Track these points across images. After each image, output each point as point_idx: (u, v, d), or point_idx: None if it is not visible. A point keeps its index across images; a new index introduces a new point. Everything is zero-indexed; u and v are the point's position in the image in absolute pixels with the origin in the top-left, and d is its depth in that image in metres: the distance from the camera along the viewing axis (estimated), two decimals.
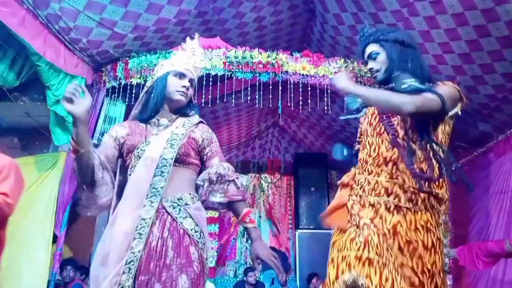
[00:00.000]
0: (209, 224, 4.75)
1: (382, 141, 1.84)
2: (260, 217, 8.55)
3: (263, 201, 8.59)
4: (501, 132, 5.12)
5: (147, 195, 1.78)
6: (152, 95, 1.98)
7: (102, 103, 4.52)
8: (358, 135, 2.09)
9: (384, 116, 1.87)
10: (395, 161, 1.79)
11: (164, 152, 1.84)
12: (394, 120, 1.84)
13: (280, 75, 4.21)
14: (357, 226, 1.75)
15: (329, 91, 4.15)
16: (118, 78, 4.38)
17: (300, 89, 4.15)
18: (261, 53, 4.23)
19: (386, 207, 1.76)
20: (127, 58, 4.38)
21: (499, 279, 4.67)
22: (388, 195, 1.76)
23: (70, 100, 1.70)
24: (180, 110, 2.02)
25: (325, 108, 3.85)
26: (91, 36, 4.07)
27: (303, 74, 4.21)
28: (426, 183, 1.76)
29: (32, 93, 4.39)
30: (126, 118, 4.66)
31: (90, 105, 1.76)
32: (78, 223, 4.87)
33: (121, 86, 4.39)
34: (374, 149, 1.85)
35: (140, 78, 4.27)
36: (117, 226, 1.74)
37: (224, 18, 4.62)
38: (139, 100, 2.04)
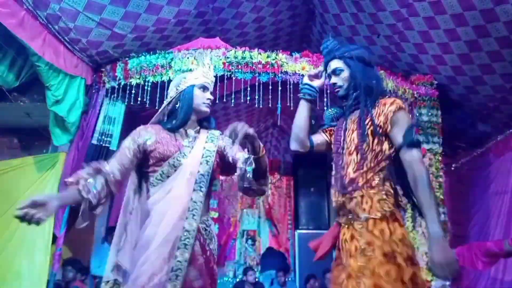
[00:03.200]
0: None
1: (345, 151, 1.91)
2: (259, 217, 8.55)
3: (262, 201, 8.59)
4: (500, 133, 5.13)
5: (189, 208, 1.89)
6: (177, 106, 2.08)
7: (102, 103, 4.52)
8: (323, 138, 2.14)
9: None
10: (359, 168, 1.84)
11: (200, 168, 1.97)
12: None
13: (279, 75, 4.21)
14: (337, 265, 1.82)
15: (328, 91, 4.16)
16: (117, 78, 4.38)
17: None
18: (260, 54, 4.23)
19: (348, 226, 1.84)
20: (126, 58, 4.38)
21: (499, 279, 4.67)
22: (348, 213, 1.84)
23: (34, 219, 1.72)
24: (202, 121, 2.15)
25: (324, 108, 3.83)
26: (90, 36, 4.07)
27: (302, 75, 4.21)
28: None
29: (32, 93, 4.39)
30: (125, 118, 4.67)
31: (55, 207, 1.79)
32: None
33: (121, 86, 4.38)
34: (337, 170, 1.93)
35: (139, 78, 4.27)
36: (158, 236, 1.82)
37: (223, 18, 4.62)
38: (162, 109, 2.12)
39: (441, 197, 4.57)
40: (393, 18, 4.27)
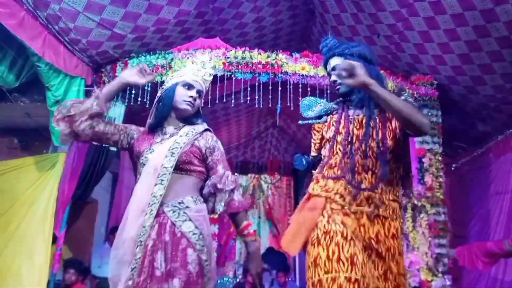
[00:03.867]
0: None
1: (355, 149, 1.87)
2: (259, 217, 8.57)
3: (262, 201, 8.60)
4: (500, 133, 5.13)
5: (149, 203, 1.84)
6: (160, 104, 2.05)
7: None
8: (317, 142, 2.10)
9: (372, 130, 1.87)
10: (374, 171, 1.83)
11: (165, 161, 1.89)
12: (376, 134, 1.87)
13: (279, 75, 4.21)
14: (344, 237, 1.76)
15: (328, 91, 4.16)
16: None
17: (300, 90, 4.15)
18: (260, 54, 4.23)
19: (368, 217, 1.81)
20: (126, 59, 4.38)
21: (499, 279, 4.67)
22: (369, 205, 1.82)
23: (141, 72, 1.95)
24: (187, 120, 2.06)
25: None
26: (90, 37, 4.07)
27: (302, 75, 4.21)
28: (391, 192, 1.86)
29: (32, 94, 4.39)
30: (125, 118, 4.66)
31: (138, 84, 1.98)
32: (77, 223, 4.87)
33: None
34: (348, 157, 1.87)
35: None
36: (125, 233, 1.82)
37: (223, 19, 4.62)
38: (151, 110, 2.12)
39: (441, 197, 4.57)
40: (393, 18, 4.27)
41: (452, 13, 3.87)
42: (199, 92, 2.05)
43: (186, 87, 2.02)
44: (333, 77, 1.97)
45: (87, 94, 4.50)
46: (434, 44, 4.33)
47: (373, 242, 1.77)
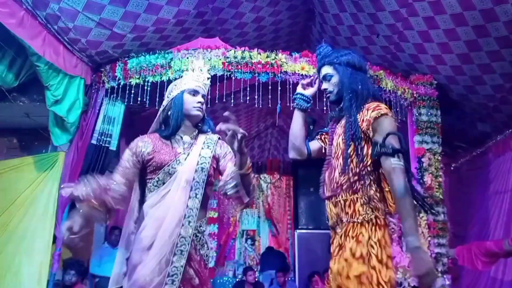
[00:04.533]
0: (208, 224, 4.80)
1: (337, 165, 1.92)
2: (259, 217, 8.56)
3: (262, 201, 8.59)
4: (500, 132, 5.14)
5: (185, 215, 1.92)
6: (169, 113, 2.09)
7: (101, 103, 4.52)
8: (319, 143, 2.17)
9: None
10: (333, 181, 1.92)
11: (196, 175, 1.98)
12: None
13: (279, 75, 4.21)
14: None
15: (322, 89, 4.16)
16: (117, 78, 4.37)
17: None
18: (260, 53, 4.23)
19: (336, 233, 1.90)
20: (126, 58, 4.38)
21: (499, 279, 4.68)
22: (337, 218, 1.90)
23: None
24: (198, 125, 2.15)
25: (324, 108, 3.83)
26: (90, 36, 4.07)
27: (302, 74, 4.21)
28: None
29: (31, 93, 4.39)
30: (125, 118, 4.66)
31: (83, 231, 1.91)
32: None
33: (120, 86, 4.38)
34: (330, 172, 1.96)
35: (139, 78, 4.26)
36: (154, 241, 1.87)
37: (223, 18, 4.62)
38: (157, 118, 2.15)
39: (441, 197, 4.57)
40: (392, 18, 4.27)
41: (451, 13, 3.87)
42: (203, 96, 2.14)
43: (192, 93, 2.10)
44: (324, 85, 2.04)
45: (86, 93, 4.50)
46: (434, 44, 4.33)
47: (342, 249, 1.82)
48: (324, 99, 4.19)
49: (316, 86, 2.14)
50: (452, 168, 5.73)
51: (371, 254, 1.73)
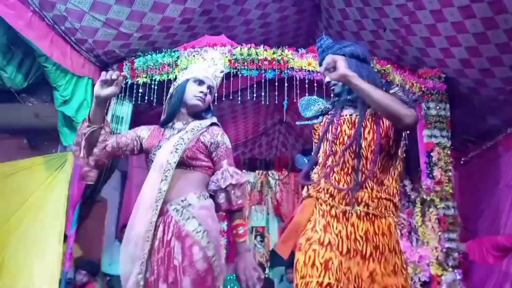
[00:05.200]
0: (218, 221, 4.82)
1: (346, 150, 1.87)
2: (268, 214, 8.58)
3: (270, 198, 8.61)
4: (510, 125, 5.08)
5: (156, 199, 1.86)
6: (171, 100, 2.08)
7: (109, 103, 4.55)
8: (317, 141, 2.09)
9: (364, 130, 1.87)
10: (363, 170, 1.83)
11: (169, 157, 1.91)
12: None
13: (285, 71, 4.20)
14: (320, 243, 1.78)
15: (325, 81, 4.15)
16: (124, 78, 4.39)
17: (306, 86, 4.14)
18: (266, 50, 4.22)
19: (357, 215, 1.82)
20: (133, 58, 4.40)
21: (510, 273, 4.64)
22: (359, 204, 1.82)
23: (103, 82, 1.80)
24: (196, 115, 2.08)
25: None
26: (97, 37, 4.09)
27: (308, 70, 4.20)
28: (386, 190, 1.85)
29: (40, 94, 4.42)
30: (133, 117, 4.69)
31: (113, 95, 1.85)
32: (88, 221, 4.90)
33: (128, 85, 4.40)
34: (340, 157, 1.87)
35: (146, 77, 4.28)
36: (134, 229, 1.86)
37: (229, 16, 4.62)
38: (164, 107, 2.14)
39: (450, 191, 4.54)
40: (399, 11, 4.24)
41: (459, 6, 3.83)
42: (209, 87, 2.08)
43: (197, 83, 2.05)
44: (327, 78, 1.97)
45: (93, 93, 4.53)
46: (442, 37, 4.29)
47: (358, 243, 1.78)
48: (331, 94, 4.20)
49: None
50: (462, 162, 5.68)
51: (396, 247, 1.82)
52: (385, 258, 1.77)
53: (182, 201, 1.89)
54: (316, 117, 2.09)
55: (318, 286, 1.68)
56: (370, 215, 1.81)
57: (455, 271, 4.27)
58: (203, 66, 2.12)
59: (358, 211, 1.81)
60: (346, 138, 1.88)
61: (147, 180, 1.93)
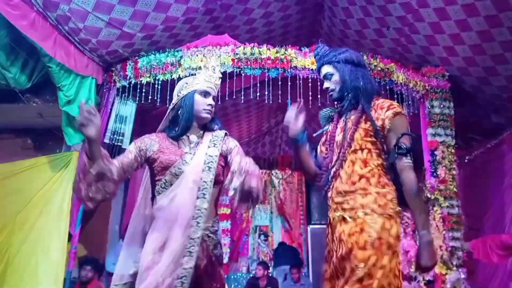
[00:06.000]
0: (221, 220, 4.83)
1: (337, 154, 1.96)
2: (271, 213, 8.57)
3: (274, 197, 8.60)
4: None
5: (193, 216, 1.90)
6: (179, 112, 2.08)
7: (113, 102, 4.56)
8: (324, 149, 2.14)
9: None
10: (368, 178, 1.88)
11: (203, 175, 1.95)
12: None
13: (289, 70, 4.19)
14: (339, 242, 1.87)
15: (324, 88, 4.14)
16: (128, 77, 4.40)
17: (310, 84, 4.14)
18: (269, 49, 4.21)
19: (338, 220, 1.89)
20: (136, 57, 4.41)
21: None
22: (343, 209, 1.89)
23: (82, 124, 1.77)
24: (205, 125, 2.13)
25: (335, 103, 3.82)
26: (100, 36, 4.10)
27: (312, 69, 4.19)
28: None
29: (44, 94, 4.44)
30: (136, 116, 4.70)
31: (100, 124, 1.83)
32: (92, 221, 4.92)
33: (131, 85, 4.41)
34: (348, 166, 1.92)
35: (149, 77, 4.29)
36: (165, 243, 1.87)
37: (232, 15, 4.62)
38: (166, 116, 2.13)
39: (455, 190, 4.53)
40: (402, 10, 4.22)
41: (463, 3, 3.82)
42: (214, 98, 2.13)
43: (203, 95, 2.08)
44: (326, 84, 2.07)
45: (98, 93, 4.54)
46: (445, 35, 4.27)
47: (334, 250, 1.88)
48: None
49: (300, 118, 2.07)
50: (466, 160, 5.65)
51: (391, 245, 1.82)
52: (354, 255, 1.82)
53: (212, 226, 1.98)
54: (325, 125, 2.19)
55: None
56: (352, 218, 1.86)
57: (460, 270, 4.26)
58: (205, 76, 2.14)
59: (338, 216, 1.90)
60: (339, 143, 1.99)
61: (179, 196, 1.92)
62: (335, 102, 2.11)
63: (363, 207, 1.82)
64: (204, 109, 2.05)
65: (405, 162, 1.82)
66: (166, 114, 2.13)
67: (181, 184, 1.94)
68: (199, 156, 1.99)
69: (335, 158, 1.97)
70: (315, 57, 2.14)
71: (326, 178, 1.97)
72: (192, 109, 2.04)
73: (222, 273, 2.00)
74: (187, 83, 2.12)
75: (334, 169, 1.95)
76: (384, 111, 1.89)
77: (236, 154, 2.03)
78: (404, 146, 1.81)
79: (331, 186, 1.95)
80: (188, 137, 2.06)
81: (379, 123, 1.88)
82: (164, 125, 2.13)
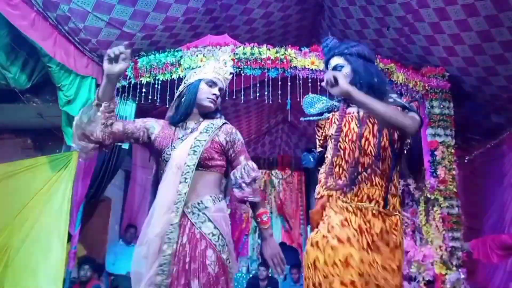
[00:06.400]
0: None
1: (356, 147, 1.89)
2: (271, 213, 8.56)
3: (274, 197, 8.61)
4: None
5: (174, 201, 1.87)
6: (183, 99, 2.08)
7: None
8: (321, 138, 2.12)
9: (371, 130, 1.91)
10: (373, 168, 1.85)
11: (187, 159, 1.92)
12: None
13: (289, 70, 4.19)
14: (339, 240, 1.78)
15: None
16: (128, 78, 4.40)
17: (309, 84, 4.14)
18: (269, 49, 4.21)
19: (372, 213, 1.83)
20: (136, 57, 4.40)
21: None
22: (370, 201, 1.84)
23: (111, 58, 1.77)
24: (207, 115, 2.11)
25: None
26: (100, 36, 4.10)
27: (312, 69, 4.19)
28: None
29: (44, 94, 4.44)
30: (136, 116, 4.69)
31: (125, 69, 1.83)
32: (91, 221, 4.92)
33: (131, 85, 4.41)
34: (349, 155, 1.89)
35: (149, 77, 4.29)
36: (150, 230, 1.86)
37: (232, 15, 4.62)
38: (172, 103, 2.14)
39: (454, 190, 4.52)
40: (402, 10, 4.22)
41: (463, 3, 3.82)
42: (220, 90, 2.11)
43: (209, 84, 2.08)
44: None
45: None
46: (445, 36, 4.27)
47: (376, 238, 1.80)
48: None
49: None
50: (466, 160, 5.65)
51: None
52: (394, 254, 1.81)
53: (199, 203, 1.92)
54: (320, 114, 2.11)
55: (340, 285, 1.70)
56: (382, 214, 1.84)
57: (459, 270, 4.25)
58: (215, 67, 2.14)
59: (371, 209, 1.83)
60: (354, 135, 1.90)
61: (165, 181, 1.93)
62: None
63: (394, 208, 1.85)
64: (208, 98, 2.05)
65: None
66: (173, 101, 2.14)
67: (167, 169, 1.94)
68: (188, 141, 1.98)
69: (354, 158, 1.88)
70: (323, 49, 2.08)
71: (350, 178, 1.87)
72: (194, 96, 2.05)
73: (210, 253, 1.84)
74: (195, 72, 2.14)
75: (362, 162, 1.87)
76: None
77: (240, 153, 2.04)
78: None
79: (357, 186, 1.87)
80: (186, 123, 2.06)
81: None
82: (170, 113, 2.14)
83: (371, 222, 1.82)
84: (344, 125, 1.94)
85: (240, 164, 2.01)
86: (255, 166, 2.02)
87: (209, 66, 2.15)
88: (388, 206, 1.85)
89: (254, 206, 2.03)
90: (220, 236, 1.89)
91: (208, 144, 1.98)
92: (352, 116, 1.95)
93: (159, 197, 1.92)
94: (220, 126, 2.06)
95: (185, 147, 1.95)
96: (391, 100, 1.87)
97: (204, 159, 1.95)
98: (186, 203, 1.89)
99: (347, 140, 1.91)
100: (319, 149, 2.16)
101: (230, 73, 2.19)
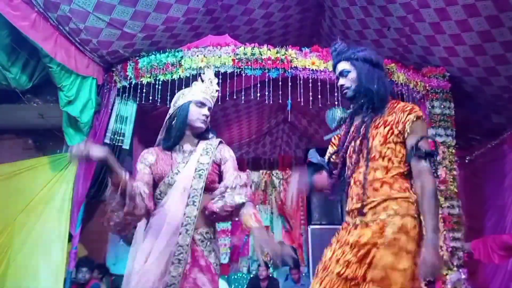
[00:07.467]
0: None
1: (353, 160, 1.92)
2: (272, 213, 8.57)
3: (274, 197, 8.60)
4: None
5: (182, 223, 1.91)
6: (174, 122, 2.11)
7: (113, 102, 4.56)
8: (331, 153, 2.11)
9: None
10: (390, 184, 1.85)
11: (193, 183, 1.98)
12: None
13: (289, 71, 4.19)
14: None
15: (339, 85, 4.14)
16: (128, 78, 4.40)
17: (310, 85, 4.14)
18: (270, 49, 4.21)
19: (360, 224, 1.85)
20: (137, 58, 4.41)
21: None
22: (364, 214, 1.86)
23: (85, 159, 1.70)
24: (200, 135, 2.16)
25: (335, 103, 3.82)
26: (101, 37, 4.10)
27: (312, 70, 4.19)
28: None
29: (45, 94, 4.45)
30: (137, 117, 4.70)
31: (101, 155, 1.70)
32: (92, 221, 4.93)
33: (132, 85, 4.41)
34: (370, 173, 1.88)
35: (150, 77, 4.29)
36: (153, 248, 1.87)
37: (232, 15, 4.62)
38: (163, 126, 2.17)
39: (455, 190, 4.52)
40: (403, 10, 4.22)
41: (463, 4, 3.81)
42: (209, 109, 2.15)
43: (199, 105, 2.11)
44: (341, 81, 2.01)
45: (99, 93, 4.55)
46: (446, 36, 4.27)
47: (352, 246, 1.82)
48: (335, 94, 4.19)
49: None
50: (466, 161, 5.65)
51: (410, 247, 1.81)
52: (396, 254, 1.78)
53: (206, 233, 1.99)
54: (338, 128, 2.14)
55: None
56: (370, 222, 1.84)
57: (460, 270, 4.25)
58: (201, 88, 2.18)
59: (359, 221, 1.86)
60: (356, 149, 1.92)
61: (170, 204, 1.95)
62: (350, 102, 2.05)
63: (385, 210, 1.80)
64: (198, 119, 2.09)
65: (424, 165, 1.78)
66: (163, 125, 2.17)
67: (172, 191, 1.97)
68: (191, 164, 2.03)
69: (352, 164, 1.91)
70: (332, 53, 2.07)
71: (341, 186, 1.93)
72: (185, 119, 2.08)
73: (216, 280, 1.94)
74: (183, 94, 2.16)
75: (354, 176, 1.90)
76: (405, 114, 1.85)
77: (230, 167, 2.06)
78: (423, 150, 1.78)
79: (350, 193, 1.91)
80: (182, 146, 2.10)
81: (399, 126, 1.84)
82: (161, 136, 2.17)
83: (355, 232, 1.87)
84: (349, 141, 1.97)
85: (232, 174, 2.03)
86: (244, 176, 2.05)
87: (197, 87, 2.18)
88: (379, 214, 1.85)
89: (245, 207, 1.98)
90: (218, 267, 2.00)
91: (211, 168, 2.04)
92: (356, 128, 1.97)
93: (166, 218, 1.92)
94: (217, 146, 2.12)
95: (189, 170, 2.01)
96: (420, 152, 1.80)
97: (209, 182, 2.02)
98: (196, 229, 1.94)
99: (350, 155, 1.96)
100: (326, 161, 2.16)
101: (216, 91, 2.23)
